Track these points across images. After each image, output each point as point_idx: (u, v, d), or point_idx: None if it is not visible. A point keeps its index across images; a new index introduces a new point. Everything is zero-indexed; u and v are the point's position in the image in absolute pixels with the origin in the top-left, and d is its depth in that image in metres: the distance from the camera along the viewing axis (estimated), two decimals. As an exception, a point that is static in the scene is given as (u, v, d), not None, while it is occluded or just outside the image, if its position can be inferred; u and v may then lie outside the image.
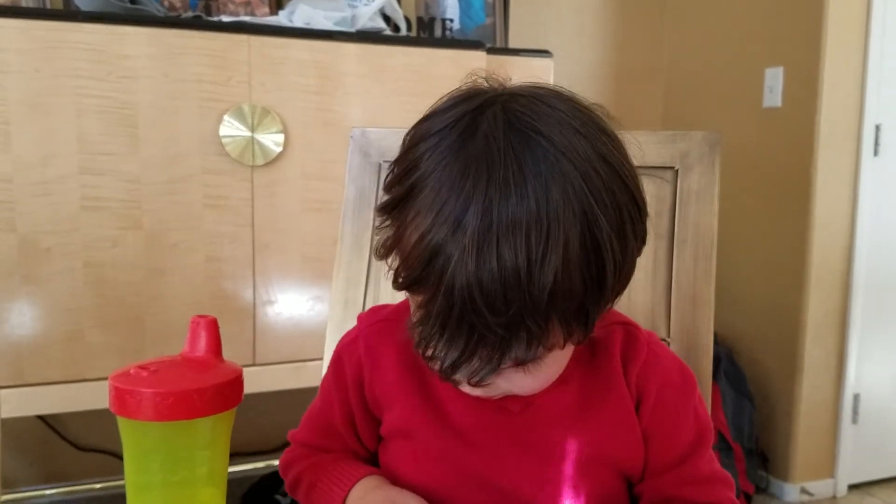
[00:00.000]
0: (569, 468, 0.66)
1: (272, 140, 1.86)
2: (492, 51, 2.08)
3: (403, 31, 2.24)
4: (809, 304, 2.50)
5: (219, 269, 1.87)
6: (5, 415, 1.72)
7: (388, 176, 0.61)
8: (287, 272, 1.93)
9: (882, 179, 2.51)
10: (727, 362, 2.59)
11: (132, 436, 0.54)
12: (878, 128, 2.48)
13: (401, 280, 0.56)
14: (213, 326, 0.57)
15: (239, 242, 1.88)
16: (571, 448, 0.66)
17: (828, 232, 2.49)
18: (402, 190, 0.57)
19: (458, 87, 0.62)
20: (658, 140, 0.94)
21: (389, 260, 0.59)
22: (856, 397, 2.58)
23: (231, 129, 1.82)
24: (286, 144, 1.88)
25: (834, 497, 2.57)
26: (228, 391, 0.54)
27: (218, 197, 1.84)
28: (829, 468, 2.59)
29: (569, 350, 0.61)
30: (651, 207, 0.94)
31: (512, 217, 0.51)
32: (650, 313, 0.91)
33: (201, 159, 1.81)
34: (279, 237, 1.91)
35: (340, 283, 0.99)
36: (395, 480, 0.70)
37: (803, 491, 2.55)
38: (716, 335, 2.67)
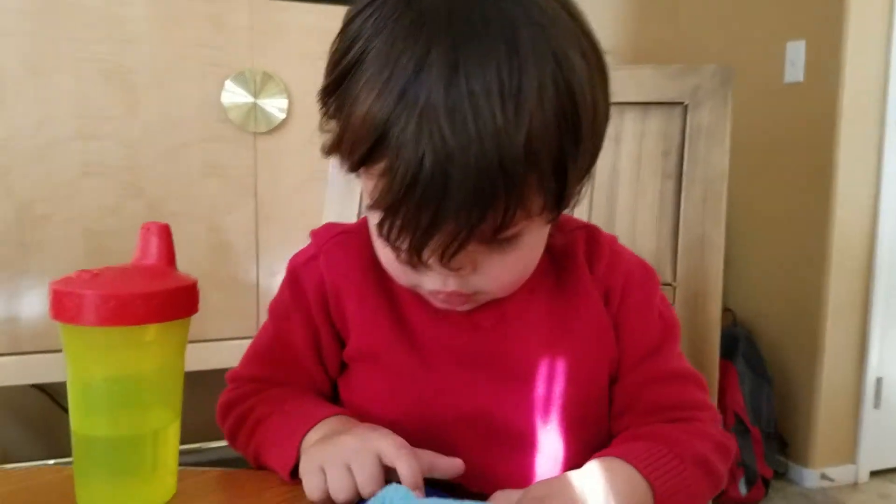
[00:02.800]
0: (547, 383, 0.62)
1: (276, 106, 1.82)
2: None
3: None
4: (831, 285, 2.42)
5: (221, 239, 1.83)
6: (2, 383, 1.70)
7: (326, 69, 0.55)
8: (291, 244, 1.87)
9: (907, 155, 2.43)
10: (746, 344, 2.52)
11: (73, 346, 0.49)
12: (903, 102, 2.39)
13: (354, 158, 0.51)
14: (166, 233, 0.53)
15: (241, 212, 1.84)
16: (548, 361, 0.62)
17: (850, 211, 2.41)
18: (343, 67, 0.52)
19: None
20: (666, 74, 0.89)
21: (337, 149, 0.54)
22: (878, 381, 2.50)
23: (233, 95, 1.78)
24: (290, 111, 1.83)
25: (855, 483, 2.49)
26: (178, 299, 0.49)
27: (219, 165, 1.80)
28: (850, 453, 2.51)
29: (541, 237, 0.58)
30: (658, 146, 0.90)
31: (480, 63, 0.47)
32: (655, 256, 0.85)
33: (202, 125, 1.77)
34: (283, 207, 1.87)
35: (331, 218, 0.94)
36: (360, 408, 0.63)
37: (823, 476, 2.47)
38: (735, 317, 2.62)
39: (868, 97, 2.39)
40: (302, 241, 1.99)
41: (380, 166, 0.49)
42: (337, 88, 0.52)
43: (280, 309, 0.68)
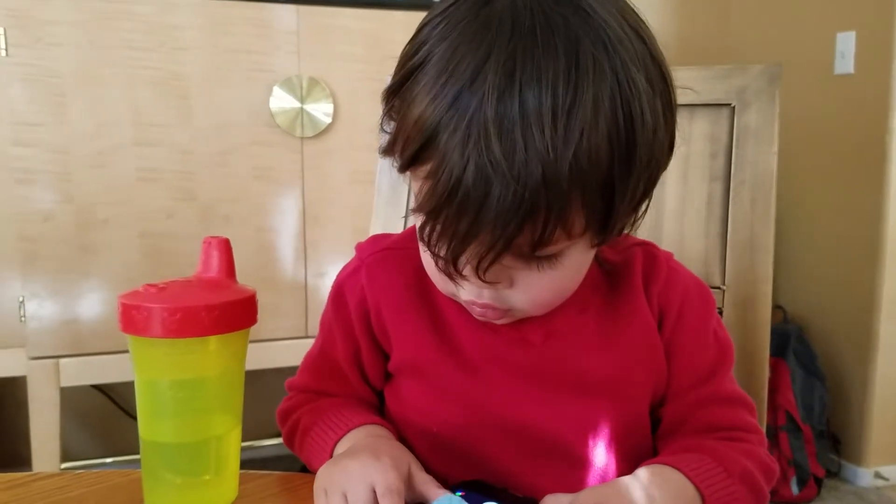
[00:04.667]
0: (592, 400, 0.62)
1: (321, 111, 1.85)
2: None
3: None
4: (885, 278, 2.37)
5: (269, 240, 1.87)
6: (64, 384, 1.76)
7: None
8: (337, 244, 1.92)
9: (964, 146, 2.36)
10: (797, 340, 2.47)
11: (141, 357, 0.52)
12: (958, 92, 2.32)
13: (404, 157, 0.51)
14: (226, 247, 0.55)
15: (289, 214, 1.88)
16: (596, 379, 0.62)
17: (905, 202, 2.36)
18: (406, 70, 0.52)
19: None
20: (713, 75, 0.88)
21: (392, 149, 0.55)
22: (935, 378, 2.44)
23: (280, 100, 1.81)
24: (335, 115, 1.86)
25: (911, 483, 2.44)
26: (239, 310, 0.52)
27: (267, 168, 1.84)
28: (905, 452, 2.46)
29: (584, 260, 0.57)
30: (706, 148, 0.89)
31: (537, 72, 0.46)
32: (703, 260, 0.85)
33: (251, 130, 1.81)
34: (328, 208, 1.90)
35: (378, 227, 0.96)
36: (406, 418, 0.65)
37: (877, 475, 2.42)
38: (785, 312, 2.58)
39: (922, 87, 2.33)
40: (348, 242, 2.02)
41: (426, 168, 0.50)
42: (399, 90, 0.53)
43: (324, 323, 0.70)
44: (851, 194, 2.46)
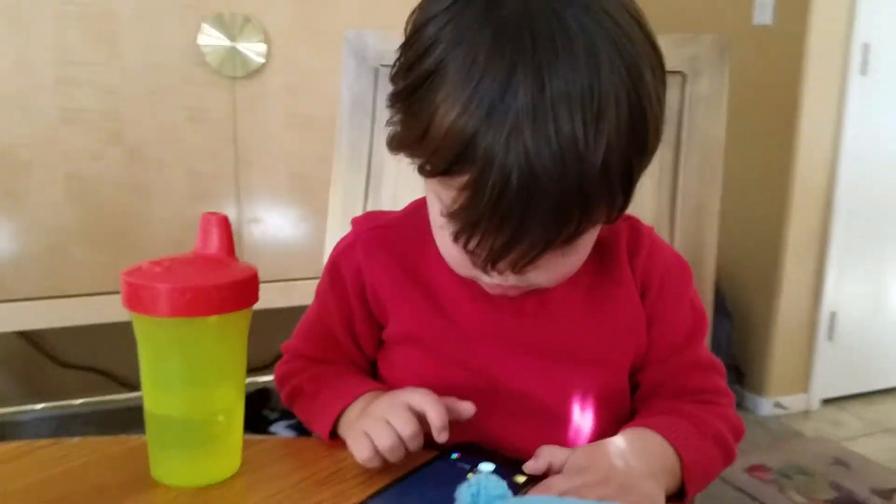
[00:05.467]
0: (580, 368, 0.67)
1: (253, 50, 1.80)
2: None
3: (389, -62, 2.15)
4: (791, 223, 2.52)
5: (201, 185, 1.83)
6: (-13, 330, 1.70)
7: (394, 65, 0.57)
8: (272, 189, 1.90)
9: (868, 99, 2.50)
10: (708, 281, 2.62)
11: (147, 334, 0.53)
12: (866, 47, 2.46)
13: (435, 166, 0.53)
14: (225, 224, 0.55)
15: (221, 158, 1.83)
16: (584, 347, 0.67)
17: (812, 152, 2.50)
18: (419, 72, 0.53)
19: None
20: (664, 43, 0.90)
21: (410, 151, 0.56)
22: (832, 315, 2.64)
23: (210, 38, 1.75)
24: (269, 55, 1.81)
25: (807, 411, 2.65)
26: (245, 289, 0.53)
27: (199, 109, 1.79)
28: (803, 383, 2.66)
29: (595, 235, 0.61)
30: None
31: (564, 80, 0.48)
32: (654, 223, 0.89)
33: (181, 70, 1.75)
34: (263, 153, 1.87)
35: (338, 196, 0.96)
36: (400, 385, 0.67)
37: (777, 405, 2.62)
38: (697, 254, 2.72)
39: (834, 40, 2.45)
40: (283, 187, 1.99)
41: (462, 179, 0.51)
42: (413, 92, 0.53)
43: (321, 293, 0.73)
44: (763, 141, 2.58)
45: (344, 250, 0.71)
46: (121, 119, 1.71)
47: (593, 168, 0.49)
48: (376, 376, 0.73)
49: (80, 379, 2.28)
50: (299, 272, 1.89)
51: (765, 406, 2.61)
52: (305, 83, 1.86)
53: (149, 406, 0.54)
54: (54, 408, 2.24)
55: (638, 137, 0.52)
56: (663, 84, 0.55)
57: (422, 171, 0.55)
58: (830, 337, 2.65)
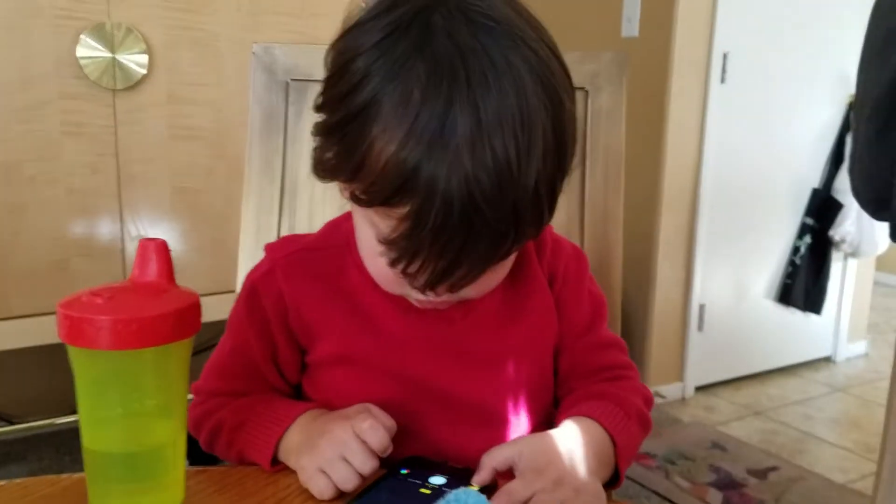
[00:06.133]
0: (508, 363, 0.70)
1: (135, 61, 1.73)
2: (365, -29, 2.01)
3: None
4: (661, 221, 2.68)
5: (82, 202, 1.74)
6: None
7: (322, 96, 0.58)
8: (157, 204, 1.83)
9: (728, 105, 2.69)
10: (591, 281, 2.73)
11: (87, 367, 0.50)
12: (725, 56, 2.64)
13: (373, 197, 0.54)
14: (164, 249, 0.54)
15: (102, 173, 1.75)
16: (509, 345, 0.70)
17: (679, 155, 2.66)
18: (353, 106, 0.54)
19: None
20: (568, 61, 0.95)
21: (344, 181, 0.58)
22: (701, 307, 2.82)
23: (89, 49, 1.68)
24: (150, 66, 1.75)
25: (683, 399, 2.82)
26: (189, 317, 0.51)
27: (77, 124, 1.71)
28: (678, 372, 2.83)
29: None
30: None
31: (497, 112, 0.51)
32: (566, 229, 0.94)
33: (58, 83, 1.66)
34: (146, 167, 1.80)
35: (251, 210, 0.95)
36: (333, 405, 0.67)
37: (656, 394, 2.77)
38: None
39: (696, 50, 2.61)
40: (168, 201, 1.93)
41: (402, 209, 0.53)
42: (346, 125, 0.54)
43: (236, 323, 0.71)
44: (634, 145, 2.71)
45: (261, 277, 0.70)
46: (-9, 135, 1.61)
47: (526, 190, 0.53)
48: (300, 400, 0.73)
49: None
50: (189, 287, 1.83)
51: (646, 397, 2.75)
52: (189, 94, 1.80)
53: (87, 443, 0.52)
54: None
55: (561, 159, 0.56)
56: (575, 110, 0.59)
57: (357, 201, 0.56)
58: (700, 328, 2.83)
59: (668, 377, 2.81)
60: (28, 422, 2.22)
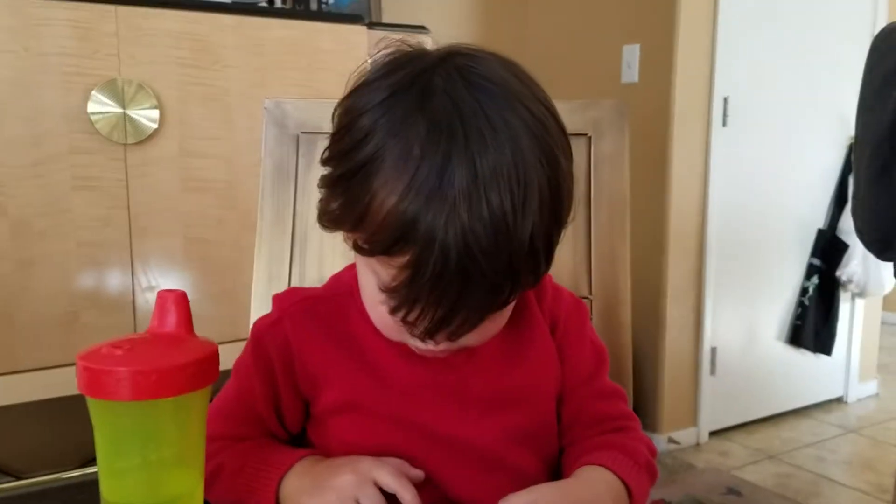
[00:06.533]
0: (514, 409, 0.70)
1: (146, 116, 1.77)
2: (371, 25, 2.06)
3: (279, 4, 2.18)
4: (669, 266, 2.68)
5: (92, 255, 1.76)
6: None
7: (328, 150, 0.61)
8: (168, 256, 1.85)
9: (730, 148, 2.72)
10: (599, 325, 2.73)
11: (106, 418, 0.51)
12: (725, 100, 2.67)
13: (374, 246, 0.56)
14: (183, 300, 0.55)
15: (114, 226, 1.78)
16: (511, 389, 0.71)
17: (683, 200, 2.67)
18: (357, 160, 0.56)
19: (373, 57, 0.62)
20: (571, 108, 0.98)
21: (348, 231, 0.60)
22: (713, 350, 2.80)
23: (100, 105, 1.71)
24: (161, 121, 1.79)
25: (697, 444, 2.78)
26: (208, 366, 0.52)
27: (88, 178, 1.73)
28: (692, 417, 2.80)
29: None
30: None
31: (494, 168, 0.53)
32: (573, 273, 0.95)
33: (69, 138, 1.70)
34: (158, 219, 1.82)
35: (263, 260, 0.96)
36: (342, 453, 0.68)
37: (671, 440, 2.74)
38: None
39: (696, 95, 2.65)
40: (180, 253, 1.95)
41: (402, 259, 0.55)
42: (351, 178, 0.57)
43: (242, 369, 0.72)
44: (639, 193, 2.74)
45: (268, 327, 0.71)
46: (4, 191, 1.63)
47: (522, 243, 0.54)
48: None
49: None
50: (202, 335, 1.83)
51: (659, 442, 2.72)
52: (201, 147, 1.84)
53: (106, 495, 0.52)
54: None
55: (557, 214, 0.58)
56: (571, 163, 0.61)
57: (360, 250, 0.58)
58: (713, 371, 2.81)
59: (682, 422, 2.78)
60: (35, 476, 2.20)
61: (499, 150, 0.54)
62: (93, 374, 0.49)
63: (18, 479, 2.19)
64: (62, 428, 2.24)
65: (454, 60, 0.58)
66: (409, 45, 0.61)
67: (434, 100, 0.55)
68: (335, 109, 0.61)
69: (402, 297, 0.56)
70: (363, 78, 0.60)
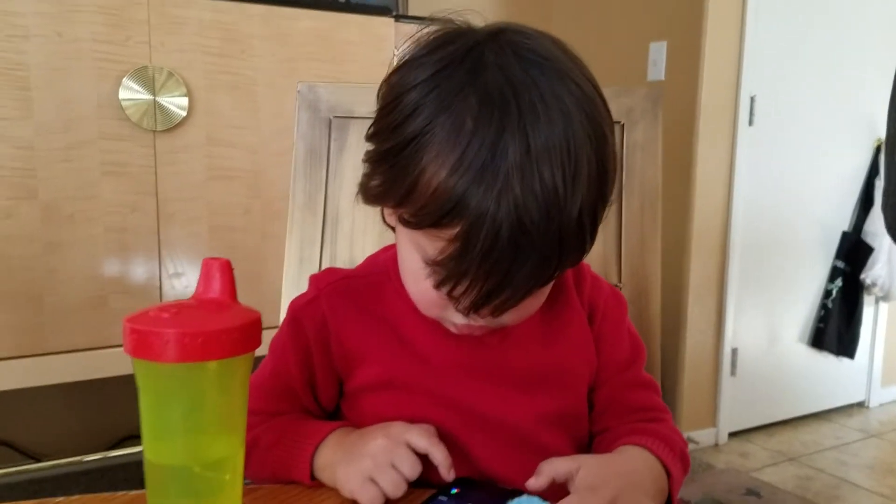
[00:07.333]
0: (545, 391, 0.71)
1: (175, 104, 1.78)
2: (398, 18, 2.07)
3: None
4: (692, 265, 2.66)
5: (120, 240, 1.78)
6: None
7: (374, 126, 0.61)
8: (194, 243, 1.86)
9: (756, 147, 2.70)
10: (619, 323, 2.72)
11: (151, 380, 0.51)
12: (752, 99, 2.66)
13: (422, 220, 0.56)
14: (227, 268, 0.55)
15: (141, 212, 1.79)
16: (544, 372, 0.71)
17: (708, 198, 2.66)
18: (405, 134, 0.57)
19: (418, 34, 0.62)
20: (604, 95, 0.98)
21: (393, 205, 0.60)
22: (734, 352, 2.79)
23: (131, 91, 1.73)
24: (190, 109, 1.80)
25: (716, 444, 2.77)
26: (251, 332, 0.53)
27: (118, 164, 1.75)
28: (711, 418, 2.78)
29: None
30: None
31: (546, 142, 0.53)
32: (603, 260, 0.95)
33: (99, 124, 1.72)
34: (185, 206, 1.84)
35: (295, 243, 0.97)
36: None
37: (689, 440, 2.72)
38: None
39: (723, 94, 2.63)
40: (206, 240, 1.97)
41: (451, 231, 0.55)
42: (399, 153, 0.57)
43: (278, 348, 0.73)
44: (663, 194, 2.72)
45: (305, 306, 0.72)
46: (35, 175, 1.65)
47: (571, 218, 0.55)
48: None
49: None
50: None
51: (678, 442, 2.70)
52: (227, 136, 1.85)
53: (149, 456, 0.53)
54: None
55: (602, 189, 0.58)
56: (615, 144, 0.62)
57: (406, 223, 0.58)
58: (733, 372, 2.79)
59: (702, 423, 2.77)
60: (57, 459, 2.23)
61: (551, 124, 0.54)
62: (140, 336, 0.50)
63: (40, 461, 2.22)
64: (86, 413, 2.27)
65: (505, 36, 0.59)
66: (457, 23, 0.61)
67: (486, 74, 0.55)
68: (380, 87, 0.62)
69: (450, 270, 0.56)
70: (409, 54, 0.60)
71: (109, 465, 2.27)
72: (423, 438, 0.61)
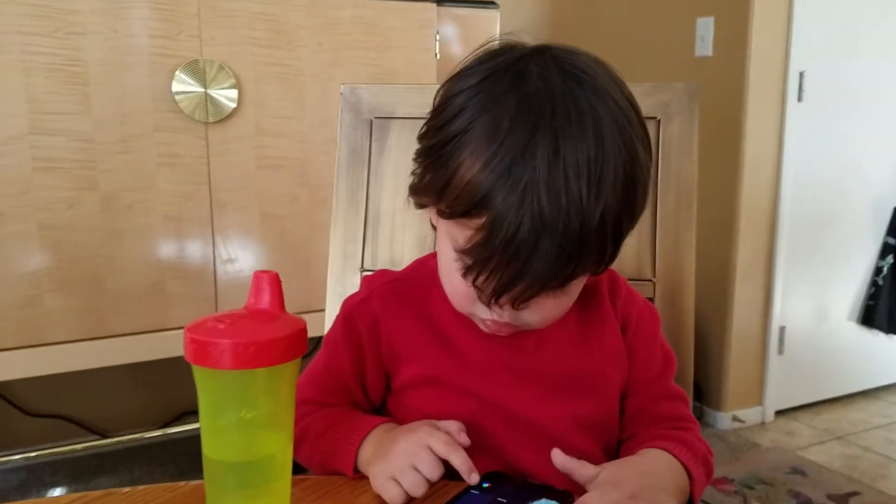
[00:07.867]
0: (578, 395, 0.74)
1: (225, 96, 1.84)
2: (440, 3, 2.09)
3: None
4: (739, 243, 2.65)
5: (176, 228, 1.85)
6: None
7: (425, 126, 0.67)
8: (246, 230, 1.93)
9: (805, 124, 2.66)
10: (664, 302, 2.72)
11: (209, 384, 0.57)
12: (801, 75, 2.61)
13: (454, 209, 0.61)
14: (276, 281, 0.60)
15: (196, 201, 1.86)
16: (578, 377, 0.75)
17: (756, 176, 2.63)
18: (449, 132, 0.62)
19: (478, 48, 0.67)
20: (640, 91, 0.98)
21: (433, 197, 0.65)
22: (781, 330, 2.77)
23: (183, 84, 1.79)
24: (240, 100, 1.86)
25: (762, 423, 2.77)
26: (298, 341, 0.57)
27: (172, 155, 1.82)
28: (757, 396, 2.78)
29: (583, 283, 0.69)
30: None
31: (575, 146, 0.57)
32: (637, 257, 0.97)
33: (154, 117, 1.78)
34: (236, 195, 1.90)
35: (338, 238, 1.01)
36: None
37: (735, 419, 2.73)
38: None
39: (771, 69, 2.59)
40: (257, 228, 2.03)
41: (479, 221, 0.59)
42: (442, 148, 0.62)
43: (331, 343, 0.78)
44: (710, 168, 2.70)
45: (358, 304, 0.77)
46: (95, 167, 1.73)
47: (591, 224, 0.58)
48: None
49: (47, 427, 2.25)
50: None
51: (723, 420, 2.72)
52: (276, 126, 1.90)
53: (207, 452, 0.58)
54: (22, 458, 2.21)
55: (629, 202, 0.61)
56: (651, 158, 0.65)
57: (442, 213, 0.64)
58: (780, 351, 2.78)
59: (748, 401, 2.77)
60: (119, 435, 2.35)
61: (583, 132, 0.58)
62: (199, 346, 0.55)
63: (103, 437, 2.34)
64: (145, 390, 2.38)
65: (550, 52, 0.63)
66: (509, 40, 0.66)
67: (528, 82, 0.60)
68: (437, 92, 0.67)
69: (475, 256, 0.60)
70: (462, 65, 0.66)
71: (169, 440, 2.38)
72: (442, 444, 0.64)
